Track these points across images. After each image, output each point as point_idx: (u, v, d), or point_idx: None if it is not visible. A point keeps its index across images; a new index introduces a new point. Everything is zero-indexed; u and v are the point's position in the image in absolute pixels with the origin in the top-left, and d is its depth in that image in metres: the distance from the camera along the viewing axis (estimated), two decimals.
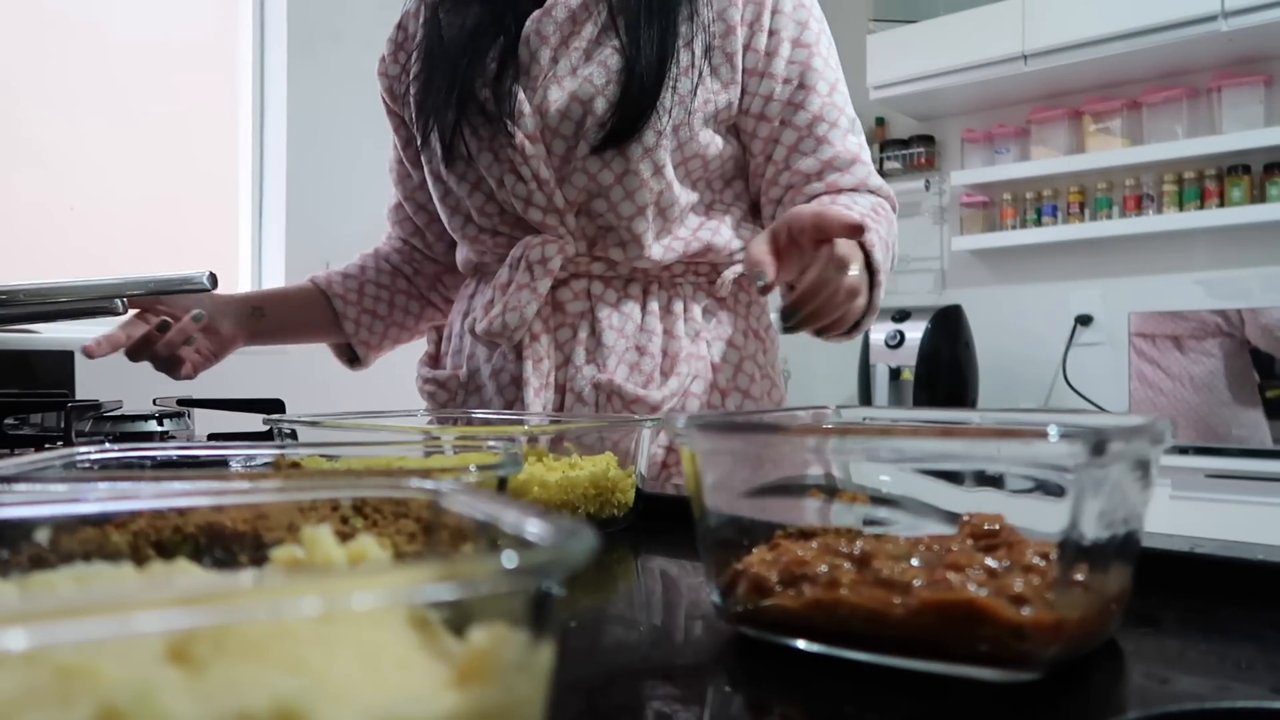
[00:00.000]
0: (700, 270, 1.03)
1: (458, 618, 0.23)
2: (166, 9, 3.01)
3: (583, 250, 1.00)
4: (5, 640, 0.16)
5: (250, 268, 2.16)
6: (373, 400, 2.18)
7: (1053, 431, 0.35)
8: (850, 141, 1.00)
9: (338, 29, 2.18)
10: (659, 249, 0.99)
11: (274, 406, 1.09)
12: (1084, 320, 2.97)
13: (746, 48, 0.98)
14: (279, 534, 0.33)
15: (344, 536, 0.29)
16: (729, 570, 0.43)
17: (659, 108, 0.94)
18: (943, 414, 0.61)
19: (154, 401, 1.24)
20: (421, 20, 1.08)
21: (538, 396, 0.99)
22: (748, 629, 0.42)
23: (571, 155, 0.97)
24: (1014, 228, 3.03)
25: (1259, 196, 2.64)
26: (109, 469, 0.45)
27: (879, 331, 2.91)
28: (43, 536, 0.30)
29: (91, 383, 1.49)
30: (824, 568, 0.39)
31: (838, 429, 0.52)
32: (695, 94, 0.96)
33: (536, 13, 0.97)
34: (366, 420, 0.78)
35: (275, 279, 2.11)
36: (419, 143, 1.07)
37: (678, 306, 1.02)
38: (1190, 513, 2.22)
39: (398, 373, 2.25)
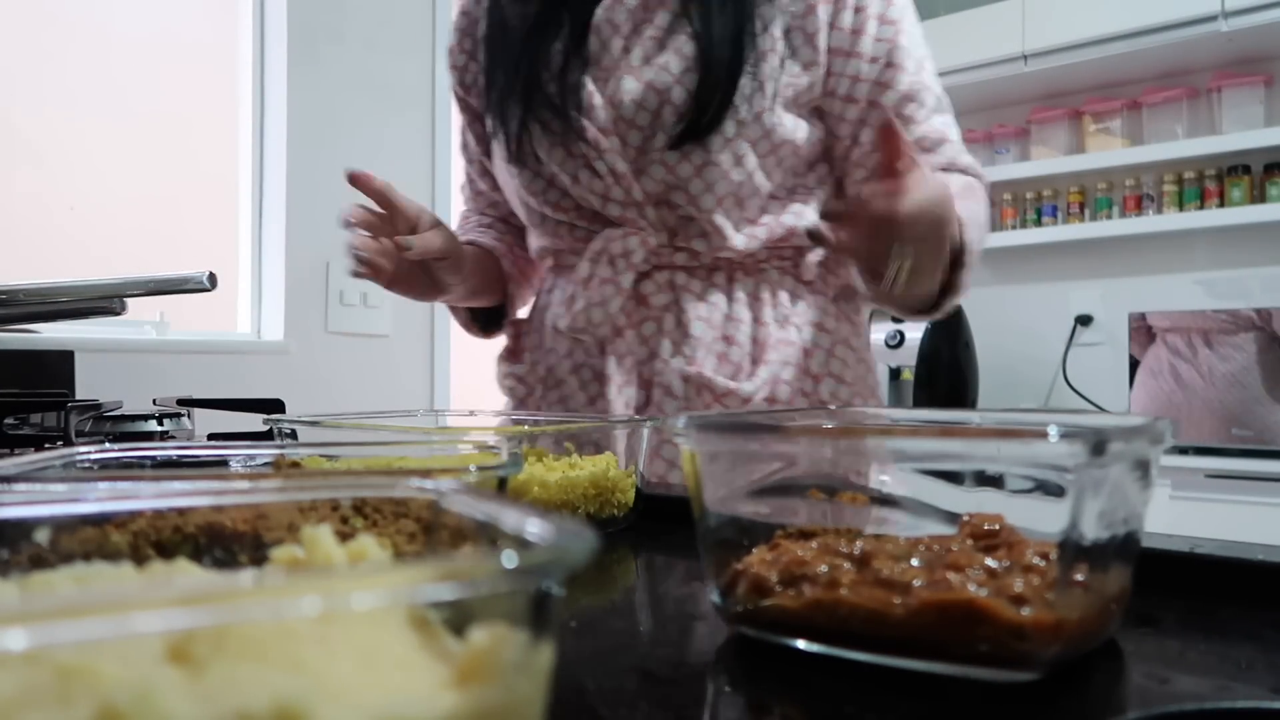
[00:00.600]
0: (785, 255, 1.01)
1: (458, 618, 0.23)
2: (166, 8, 3.01)
3: (664, 242, 0.98)
4: (5, 640, 0.16)
5: (250, 268, 2.16)
6: (372, 400, 2.18)
7: (1053, 431, 0.35)
8: (937, 120, 0.97)
9: (338, 29, 2.18)
10: (742, 238, 0.97)
11: (274, 406, 1.09)
12: (1084, 320, 2.97)
13: (831, 26, 0.94)
14: (279, 534, 0.33)
15: (344, 536, 0.29)
16: (729, 570, 0.43)
17: (738, 96, 0.91)
18: (943, 414, 0.61)
19: (154, 401, 1.24)
20: (485, 6, 1.05)
21: (620, 393, 0.97)
22: (748, 629, 0.42)
23: (648, 147, 0.94)
24: (1014, 228, 3.03)
25: (1259, 196, 2.64)
26: (109, 469, 0.45)
27: (879, 332, 2.91)
28: (43, 536, 0.30)
29: (91, 383, 1.50)
30: (824, 568, 0.39)
31: (838, 429, 0.52)
32: (776, 79, 0.93)
33: (607, 0, 0.94)
34: (366, 420, 0.78)
35: (275, 279, 2.11)
36: (491, 138, 1.05)
37: (764, 293, 0.99)
38: (1190, 513, 2.22)
39: (397, 372, 2.25)
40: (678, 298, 0.98)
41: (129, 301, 1.27)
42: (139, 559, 0.31)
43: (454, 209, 2.36)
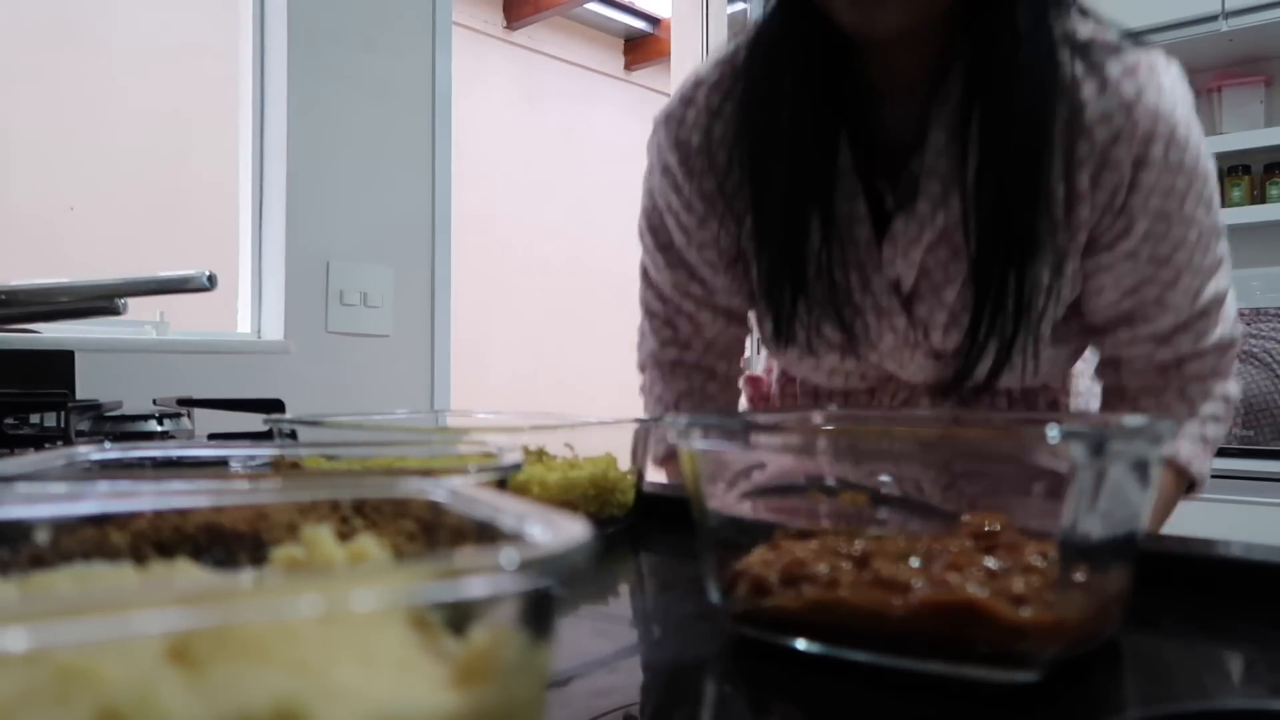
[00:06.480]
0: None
1: (458, 618, 0.23)
2: (166, 9, 3.01)
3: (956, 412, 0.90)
4: (5, 640, 0.16)
5: (250, 268, 2.15)
6: (372, 400, 2.18)
7: (1053, 432, 0.35)
8: (1184, 311, 0.83)
9: (338, 29, 2.18)
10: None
11: (274, 406, 1.09)
12: None
13: (1095, 226, 0.80)
14: (279, 534, 0.33)
15: (344, 536, 0.29)
16: (729, 570, 0.43)
17: (1012, 360, 0.81)
18: (944, 413, 0.61)
19: (154, 401, 1.24)
20: (732, 99, 0.86)
21: None
22: (748, 629, 0.42)
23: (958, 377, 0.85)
24: None
25: (1259, 197, 2.64)
26: (109, 469, 0.45)
27: None
28: (43, 536, 0.30)
29: (91, 383, 1.50)
30: (824, 568, 0.39)
31: (838, 429, 0.52)
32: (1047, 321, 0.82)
33: (902, 236, 0.80)
34: (366, 420, 0.78)
35: (275, 279, 2.11)
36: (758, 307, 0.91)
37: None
38: (1190, 513, 2.21)
39: (397, 372, 2.25)
40: None
41: (129, 301, 1.27)
42: (139, 559, 0.31)
43: (453, 209, 2.36)
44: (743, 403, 1.08)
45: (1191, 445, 0.87)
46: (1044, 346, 0.82)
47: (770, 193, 0.83)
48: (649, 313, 1.02)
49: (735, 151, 0.86)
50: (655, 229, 0.95)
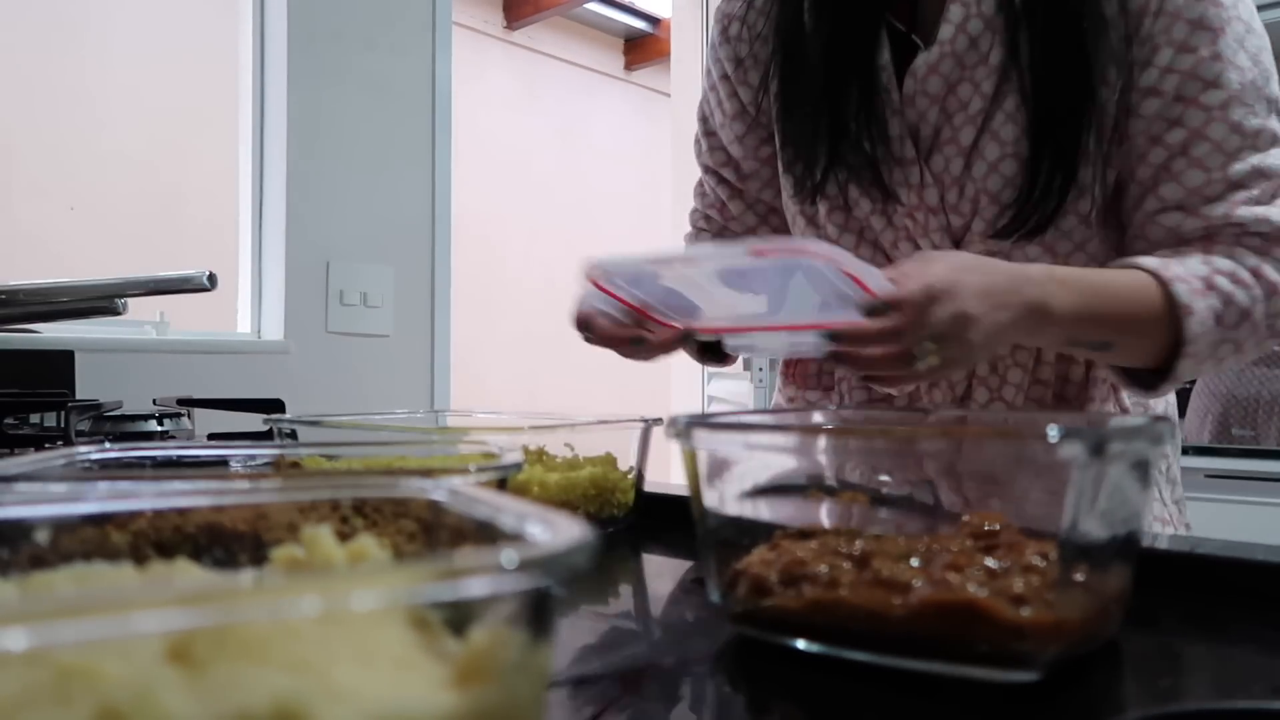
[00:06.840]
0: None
1: (458, 618, 0.23)
2: (166, 9, 3.01)
3: None
4: (5, 640, 0.16)
5: (250, 267, 2.15)
6: (372, 400, 2.18)
7: (1053, 431, 0.35)
8: (1215, 174, 0.75)
9: (338, 29, 2.18)
10: None
11: (274, 406, 1.09)
12: None
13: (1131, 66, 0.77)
14: (279, 534, 0.33)
15: (344, 536, 0.29)
16: (729, 570, 0.43)
17: (1070, 196, 0.77)
18: (944, 413, 0.61)
19: (154, 401, 1.24)
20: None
21: None
22: (748, 629, 0.42)
23: (969, 233, 0.82)
24: None
25: None
26: (109, 469, 0.45)
27: None
28: (43, 536, 0.30)
29: (91, 383, 1.50)
30: (824, 568, 0.39)
31: (838, 429, 0.52)
32: (1102, 188, 0.78)
33: (923, 66, 0.79)
34: (366, 420, 0.78)
35: (275, 279, 2.11)
36: (781, 168, 0.91)
37: None
38: (1190, 513, 2.21)
39: (397, 372, 2.25)
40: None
41: (129, 301, 1.27)
42: (139, 559, 0.31)
43: (453, 209, 2.36)
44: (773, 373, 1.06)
45: (1185, 271, 0.72)
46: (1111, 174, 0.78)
47: (807, 54, 0.84)
48: (694, 209, 1.06)
49: (776, 14, 0.88)
50: (705, 116, 0.99)
